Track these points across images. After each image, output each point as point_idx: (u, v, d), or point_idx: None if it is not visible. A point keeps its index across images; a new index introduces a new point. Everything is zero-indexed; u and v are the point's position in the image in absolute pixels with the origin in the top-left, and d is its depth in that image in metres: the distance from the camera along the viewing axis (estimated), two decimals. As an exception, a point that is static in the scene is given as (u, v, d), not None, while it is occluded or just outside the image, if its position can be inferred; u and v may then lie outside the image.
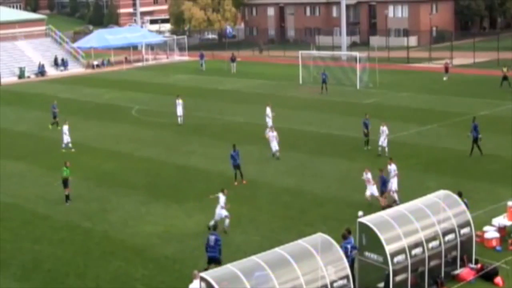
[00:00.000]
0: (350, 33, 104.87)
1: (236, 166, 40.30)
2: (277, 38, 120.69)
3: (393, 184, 35.03)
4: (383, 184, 34.77)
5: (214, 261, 27.32)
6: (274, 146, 45.03)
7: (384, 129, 44.41)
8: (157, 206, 36.83)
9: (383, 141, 44.40)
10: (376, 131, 45.15)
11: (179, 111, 57.45)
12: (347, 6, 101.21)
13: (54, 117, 59.17)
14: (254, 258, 24.03)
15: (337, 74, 75.53)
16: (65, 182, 38.39)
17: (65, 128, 50.21)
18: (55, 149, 50.37)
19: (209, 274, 23.06)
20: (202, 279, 22.99)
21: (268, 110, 52.67)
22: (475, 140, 43.28)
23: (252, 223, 33.69)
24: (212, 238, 27.59)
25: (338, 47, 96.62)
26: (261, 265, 23.38)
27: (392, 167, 35.59)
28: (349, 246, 25.85)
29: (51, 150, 50.39)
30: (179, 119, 57.48)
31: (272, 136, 45.28)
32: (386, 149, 44.26)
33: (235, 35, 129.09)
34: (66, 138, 50.05)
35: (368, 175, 35.20)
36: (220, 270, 23.71)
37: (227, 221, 32.44)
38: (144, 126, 57.74)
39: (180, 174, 42.88)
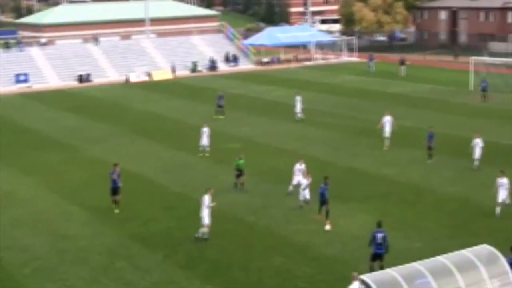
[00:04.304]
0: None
1: (324, 202, 34.32)
2: (448, 43, 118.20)
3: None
4: None
5: (380, 258, 27.41)
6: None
7: (478, 141, 43.04)
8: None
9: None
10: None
11: (298, 107, 59.45)
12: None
13: (220, 106, 61.83)
14: (416, 264, 23.89)
15: (510, 82, 73.18)
16: (238, 173, 40.19)
17: (204, 130, 48.86)
18: (223, 142, 51.75)
19: (370, 277, 23.12)
20: (362, 281, 23.08)
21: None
22: None
23: (415, 229, 33.34)
24: (379, 235, 27.63)
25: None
26: (423, 272, 23.22)
27: (505, 180, 34.77)
28: (515, 262, 25.11)
29: (219, 143, 51.65)
30: (297, 115, 59.53)
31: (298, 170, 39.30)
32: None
33: (404, 38, 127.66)
34: (204, 141, 48.63)
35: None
36: (381, 274, 23.73)
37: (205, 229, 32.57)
38: (311, 125, 58.17)
39: (345, 175, 42.96)
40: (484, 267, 23.65)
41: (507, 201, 34.22)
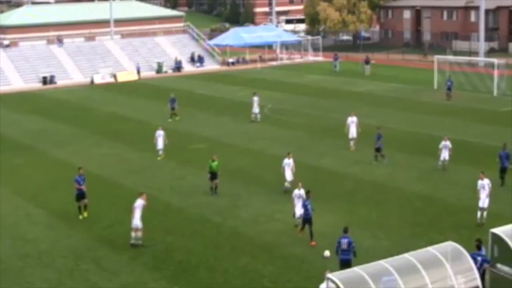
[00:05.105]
0: (488, 38, 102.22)
1: (307, 220, 32.25)
2: (412, 42, 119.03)
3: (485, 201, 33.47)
4: None
5: (347, 264, 27.17)
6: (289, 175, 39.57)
7: (447, 143, 42.84)
8: (288, 205, 36.93)
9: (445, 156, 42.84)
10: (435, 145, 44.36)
11: (255, 108, 59.70)
12: (486, 11, 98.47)
13: (172, 108, 61.64)
14: (383, 262, 23.93)
15: (473, 80, 73.96)
16: (212, 175, 39.61)
17: (159, 132, 48.35)
18: (189, 143, 51.63)
19: (336, 276, 23.12)
20: (330, 280, 23.07)
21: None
22: (503, 170, 39.36)
23: (381, 227, 33.52)
24: (345, 241, 27.52)
25: (475, 53, 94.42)
26: (389, 270, 23.27)
27: (485, 182, 33.70)
28: (479, 258, 25.19)
29: (185, 144, 51.58)
30: (257, 116, 59.76)
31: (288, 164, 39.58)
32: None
33: (369, 37, 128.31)
34: (159, 144, 48.09)
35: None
36: (348, 273, 23.71)
37: (139, 234, 32.35)
38: (276, 125, 58.24)
39: (311, 175, 42.97)
40: (449, 264, 23.77)
41: (486, 205, 33.38)
